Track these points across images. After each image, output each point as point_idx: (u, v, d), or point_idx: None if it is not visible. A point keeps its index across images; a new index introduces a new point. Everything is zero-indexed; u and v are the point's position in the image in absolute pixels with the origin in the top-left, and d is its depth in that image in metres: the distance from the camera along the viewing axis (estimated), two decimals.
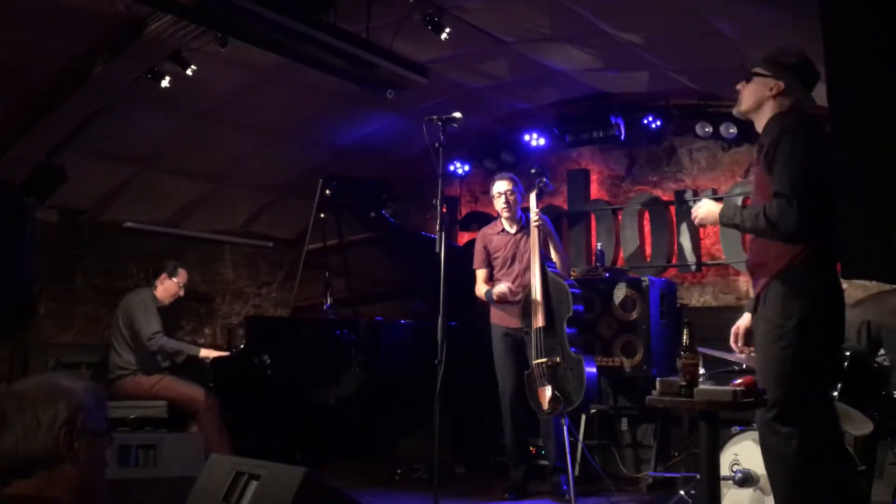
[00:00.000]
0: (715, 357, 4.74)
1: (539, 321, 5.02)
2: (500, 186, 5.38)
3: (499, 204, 5.40)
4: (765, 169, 3.17)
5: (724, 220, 3.31)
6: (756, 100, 3.31)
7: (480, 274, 5.47)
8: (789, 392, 3.07)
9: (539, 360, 4.98)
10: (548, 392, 4.93)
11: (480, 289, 5.46)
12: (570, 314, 5.01)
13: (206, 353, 5.79)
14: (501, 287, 5.21)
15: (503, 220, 5.43)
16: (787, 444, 3.06)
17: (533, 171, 5.24)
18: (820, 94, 2.64)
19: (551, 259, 5.25)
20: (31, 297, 5.78)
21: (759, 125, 3.32)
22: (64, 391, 1.91)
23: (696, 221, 3.46)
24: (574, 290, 5.08)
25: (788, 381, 3.08)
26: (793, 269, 3.09)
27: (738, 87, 3.39)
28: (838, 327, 3.18)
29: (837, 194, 1.96)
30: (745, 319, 3.43)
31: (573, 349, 4.97)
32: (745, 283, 6.43)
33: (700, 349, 4.22)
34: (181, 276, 6.04)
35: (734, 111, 3.46)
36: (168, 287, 5.97)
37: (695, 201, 6.56)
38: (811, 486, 3.04)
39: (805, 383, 3.06)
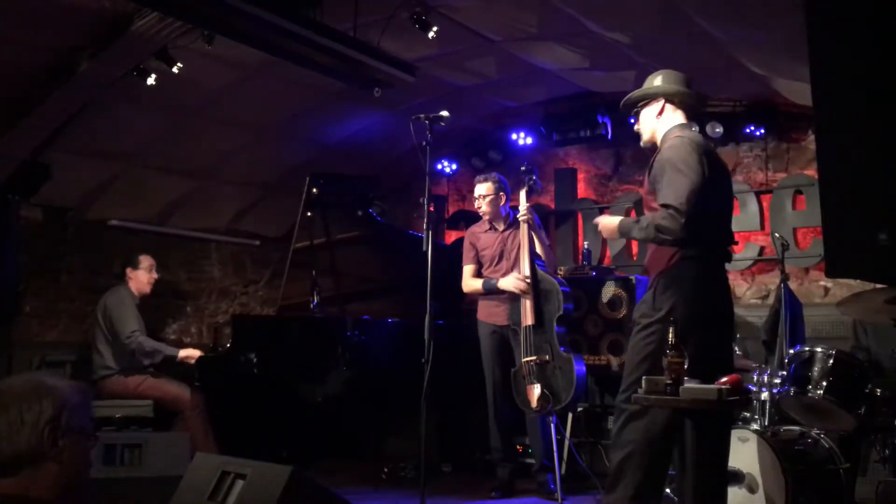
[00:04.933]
0: None
1: (528, 319, 5.02)
2: (476, 190, 5.40)
3: (477, 205, 5.43)
4: (650, 186, 3.62)
5: (622, 234, 3.78)
6: (650, 126, 3.79)
7: (468, 270, 5.48)
8: (647, 372, 3.40)
9: (528, 359, 4.98)
10: (536, 390, 4.94)
11: (469, 283, 5.46)
12: (561, 313, 5.02)
13: (185, 353, 5.73)
14: (508, 281, 5.15)
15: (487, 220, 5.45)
16: (638, 414, 3.46)
17: (522, 168, 5.25)
18: (805, 93, 2.66)
19: (540, 256, 5.26)
20: (15, 296, 5.74)
21: (658, 143, 3.76)
22: (49, 389, 1.90)
23: (601, 235, 3.93)
24: (564, 289, 5.09)
25: (647, 363, 3.45)
26: (671, 269, 3.50)
27: (636, 128, 3.88)
28: (711, 321, 3.50)
29: (821, 193, 1.97)
30: None
31: (563, 348, 4.98)
32: (731, 282, 6.45)
33: None
34: (143, 261, 5.92)
35: (641, 144, 3.91)
36: (139, 277, 5.89)
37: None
38: (642, 463, 3.44)
39: (661, 365, 3.34)
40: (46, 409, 1.86)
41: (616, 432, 3.59)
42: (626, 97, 3.87)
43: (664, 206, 3.44)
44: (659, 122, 3.75)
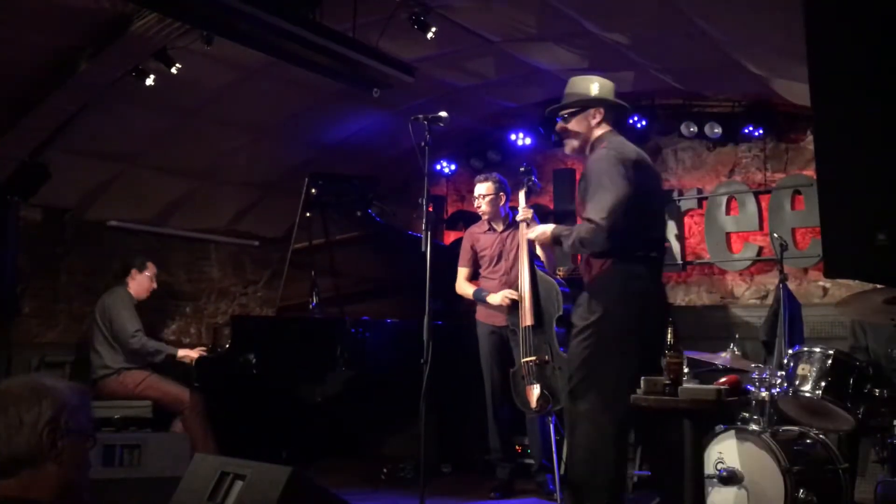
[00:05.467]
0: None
1: (527, 319, 5.01)
2: (476, 190, 5.41)
3: (476, 204, 5.43)
4: (580, 197, 3.74)
5: (555, 241, 3.86)
6: (584, 134, 3.81)
7: (462, 272, 5.50)
8: (587, 376, 3.58)
9: (527, 359, 4.98)
10: (536, 391, 4.93)
11: (462, 287, 5.48)
12: (560, 313, 5.01)
13: (184, 353, 5.77)
14: (497, 298, 5.19)
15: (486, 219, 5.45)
16: (581, 419, 3.58)
17: (521, 169, 5.24)
18: (803, 93, 2.67)
19: (539, 257, 5.26)
20: (14, 296, 5.74)
21: (587, 152, 3.84)
22: (48, 390, 1.90)
23: (530, 237, 4.09)
24: (564, 289, 5.08)
25: (587, 366, 3.59)
26: (600, 278, 3.65)
27: (559, 128, 3.89)
28: (633, 321, 3.60)
29: (820, 193, 1.97)
30: None
31: (562, 349, 4.97)
32: (730, 282, 6.46)
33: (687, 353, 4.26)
34: (150, 268, 6.02)
35: (566, 151, 3.96)
36: (141, 282, 5.94)
37: (680, 200, 6.64)
38: (595, 457, 3.54)
39: (600, 368, 3.56)
40: (45, 411, 1.86)
41: (568, 434, 3.71)
42: (568, 103, 3.85)
43: (587, 219, 3.55)
44: (592, 131, 3.80)
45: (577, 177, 7.13)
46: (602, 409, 3.54)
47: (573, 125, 3.82)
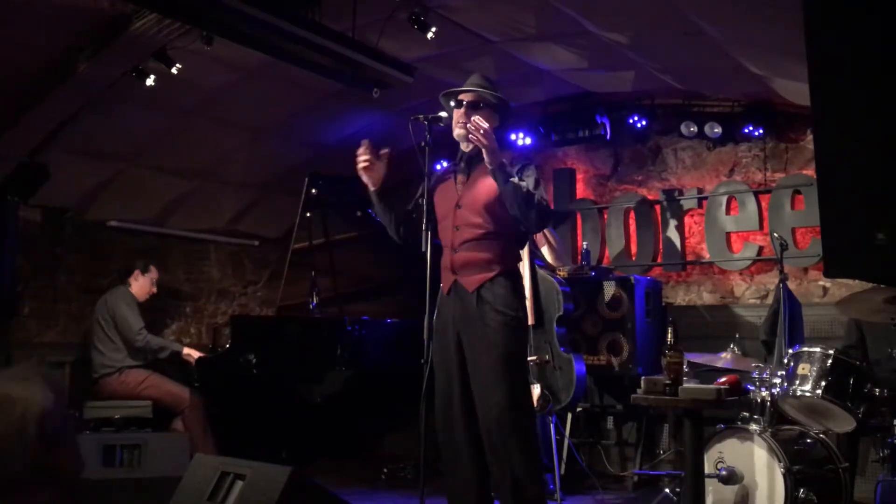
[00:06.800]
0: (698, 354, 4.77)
1: (528, 319, 5.02)
2: None
3: None
4: (514, 175, 3.67)
5: (499, 165, 3.63)
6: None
7: None
8: (521, 373, 3.73)
9: (528, 359, 4.98)
10: (536, 390, 4.94)
11: None
12: (561, 313, 5.02)
13: (189, 351, 5.79)
14: None
15: None
16: (520, 416, 3.63)
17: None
18: (803, 93, 2.68)
19: (539, 257, 5.26)
20: (14, 297, 5.74)
21: (469, 146, 3.85)
22: (24, 406, 1.82)
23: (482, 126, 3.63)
24: (564, 289, 5.10)
25: (520, 363, 3.70)
26: (513, 271, 3.77)
27: (465, 116, 3.80)
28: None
29: (819, 193, 1.97)
30: None
31: (562, 348, 4.98)
32: (730, 282, 6.46)
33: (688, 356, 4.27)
34: (153, 272, 6.09)
35: (462, 139, 3.89)
36: (143, 284, 5.99)
37: (681, 200, 6.63)
38: (534, 445, 3.70)
39: (524, 362, 3.81)
40: (31, 430, 1.80)
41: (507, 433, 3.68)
42: (500, 96, 3.92)
43: (543, 198, 3.64)
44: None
45: (578, 176, 7.16)
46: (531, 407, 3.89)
47: (487, 117, 3.82)
